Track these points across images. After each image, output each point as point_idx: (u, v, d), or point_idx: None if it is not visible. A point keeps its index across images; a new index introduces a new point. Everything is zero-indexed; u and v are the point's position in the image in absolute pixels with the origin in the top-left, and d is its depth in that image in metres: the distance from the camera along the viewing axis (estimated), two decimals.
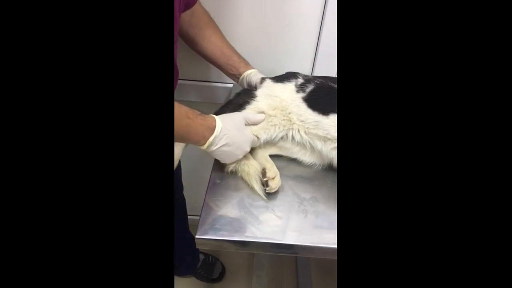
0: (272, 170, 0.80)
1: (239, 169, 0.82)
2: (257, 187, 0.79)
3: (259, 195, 0.79)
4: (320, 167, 0.89)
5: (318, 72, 1.15)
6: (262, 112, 0.84)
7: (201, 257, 1.51)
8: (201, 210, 0.76)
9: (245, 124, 0.80)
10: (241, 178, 0.83)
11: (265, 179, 0.78)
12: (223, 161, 0.80)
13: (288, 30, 1.09)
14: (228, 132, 0.75)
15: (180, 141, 0.79)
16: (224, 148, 0.75)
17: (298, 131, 0.85)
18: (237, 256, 1.60)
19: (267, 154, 0.87)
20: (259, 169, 0.81)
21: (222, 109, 0.89)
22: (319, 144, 0.84)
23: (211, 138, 0.73)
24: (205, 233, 0.71)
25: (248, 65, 0.98)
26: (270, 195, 0.79)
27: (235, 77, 0.99)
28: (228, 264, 1.56)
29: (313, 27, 1.07)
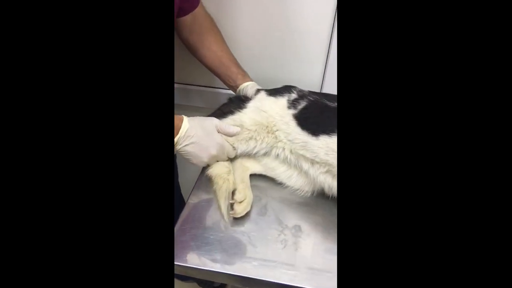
0: (243, 193, 0.72)
1: (214, 181, 0.76)
2: (223, 207, 0.72)
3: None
4: (309, 194, 0.79)
5: (328, 82, 1.07)
6: (241, 125, 0.79)
7: None
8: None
9: (217, 131, 0.77)
10: (214, 191, 0.76)
11: (231, 201, 0.71)
12: (188, 160, 0.77)
13: (297, 36, 1.02)
14: (193, 133, 0.74)
15: None
16: (188, 148, 0.74)
17: (284, 149, 0.78)
18: None
19: (248, 173, 0.80)
20: (232, 188, 0.74)
21: (211, 116, 0.84)
22: (305, 165, 0.75)
23: (175, 139, 0.72)
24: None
25: (246, 77, 0.94)
26: (238, 220, 0.72)
27: (233, 88, 0.96)
28: None
29: (323, 33, 0.99)
